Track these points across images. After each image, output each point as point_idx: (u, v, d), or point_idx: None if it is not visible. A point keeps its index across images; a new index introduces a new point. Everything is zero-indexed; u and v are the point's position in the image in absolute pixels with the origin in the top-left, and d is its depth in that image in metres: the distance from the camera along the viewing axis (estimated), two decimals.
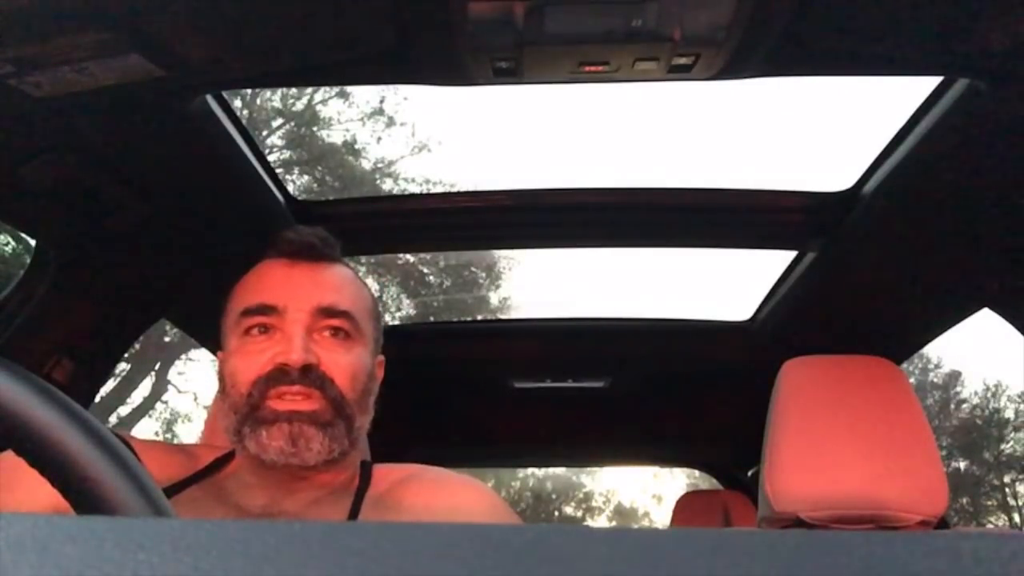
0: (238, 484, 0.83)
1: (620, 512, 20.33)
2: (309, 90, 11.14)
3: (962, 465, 14.53)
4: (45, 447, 0.35)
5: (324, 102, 11.85)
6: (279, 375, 0.77)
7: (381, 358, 0.91)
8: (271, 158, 5.04)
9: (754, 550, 0.21)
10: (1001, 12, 0.82)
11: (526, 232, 1.54)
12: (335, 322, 0.81)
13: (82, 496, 0.35)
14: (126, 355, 3.98)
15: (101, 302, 1.33)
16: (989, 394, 14.74)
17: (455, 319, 10.18)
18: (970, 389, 15.25)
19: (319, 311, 0.81)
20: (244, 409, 0.78)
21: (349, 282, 0.87)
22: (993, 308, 1.34)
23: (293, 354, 0.77)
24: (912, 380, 4.57)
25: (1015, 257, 1.22)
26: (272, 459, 0.77)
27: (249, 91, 10.06)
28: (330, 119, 12.05)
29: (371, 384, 0.84)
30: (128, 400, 11.47)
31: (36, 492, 0.41)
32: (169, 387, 12.07)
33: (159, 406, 12.36)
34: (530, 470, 17.91)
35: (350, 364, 0.81)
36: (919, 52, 0.92)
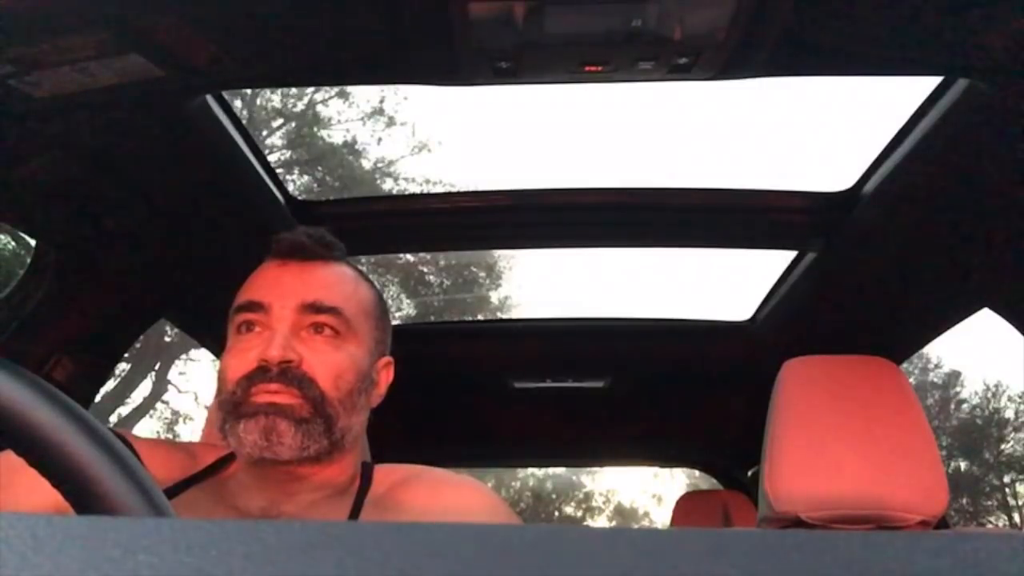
0: (238, 485, 0.83)
1: (620, 512, 20.33)
2: (309, 90, 11.15)
3: (962, 465, 14.53)
4: (45, 447, 0.35)
5: (324, 102, 11.86)
6: (260, 372, 0.78)
7: (388, 359, 0.91)
8: (271, 158, 5.03)
9: (754, 550, 0.21)
10: (1001, 12, 0.82)
11: (526, 232, 1.54)
12: (321, 318, 0.81)
13: (82, 496, 0.35)
14: (126, 355, 3.98)
15: (101, 302, 1.33)
16: (989, 394, 14.75)
17: (455, 319, 10.18)
18: (970, 389, 15.28)
19: (304, 307, 0.81)
20: (229, 406, 0.79)
21: (342, 280, 0.86)
22: (993, 308, 1.34)
23: (272, 351, 0.77)
24: (912, 380, 4.57)
25: (1015, 257, 1.22)
26: (248, 452, 0.77)
27: (249, 91, 10.06)
28: (330, 119, 12.06)
29: (362, 384, 0.83)
30: (128, 400, 11.48)
31: (36, 492, 0.41)
32: (169, 387, 12.08)
33: (159, 406, 12.38)
34: (530, 470, 17.91)
35: (335, 363, 0.80)
36: (919, 52, 0.92)
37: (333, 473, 0.83)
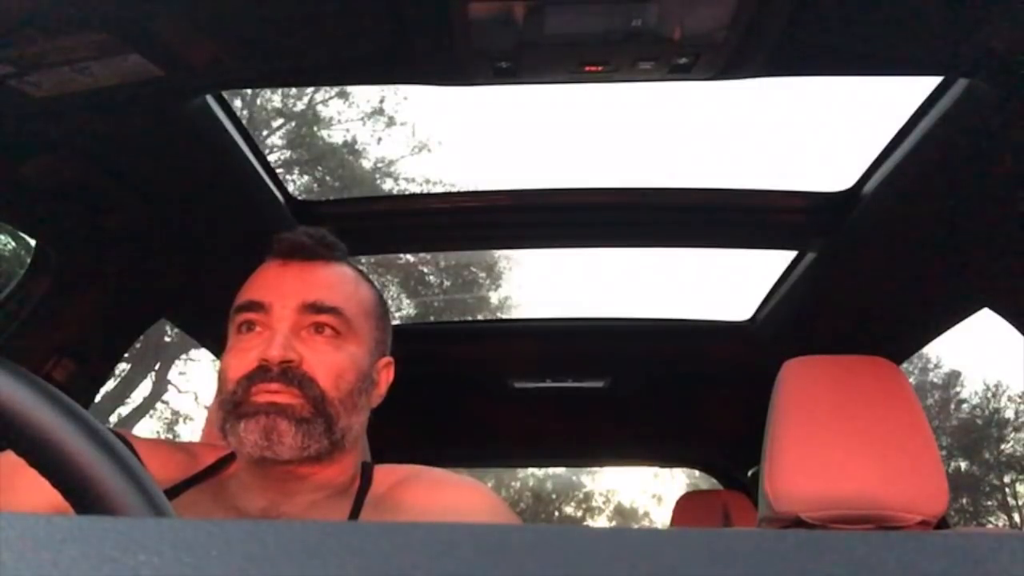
0: (238, 485, 0.83)
1: (620, 512, 20.33)
2: (309, 90, 11.15)
3: (962, 465, 14.53)
4: (45, 447, 0.35)
5: (324, 102, 11.86)
6: (260, 372, 0.78)
7: (388, 359, 0.91)
8: (271, 158, 5.04)
9: (754, 550, 0.21)
10: (1001, 12, 0.82)
11: (527, 232, 1.54)
12: (322, 318, 0.81)
13: (82, 496, 0.35)
14: (126, 355, 3.98)
15: (101, 302, 1.33)
16: (989, 394, 14.75)
17: (455, 319, 10.18)
18: (970, 389, 15.28)
19: (305, 308, 0.81)
20: (229, 405, 0.79)
21: (343, 280, 0.86)
22: (993, 308, 1.34)
23: (272, 351, 0.77)
24: (912, 380, 4.57)
25: (1015, 257, 1.22)
26: (248, 452, 0.77)
27: (249, 91, 10.06)
28: (330, 119, 12.06)
29: (363, 384, 0.83)
30: (128, 400, 11.48)
31: (36, 492, 0.41)
32: (169, 387, 12.08)
33: (159, 406, 12.37)
34: (530, 470, 17.90)
35: (336, 363, 0.80)
36: (919, 52, 0.92)
37: (333, 473, 0.83)
